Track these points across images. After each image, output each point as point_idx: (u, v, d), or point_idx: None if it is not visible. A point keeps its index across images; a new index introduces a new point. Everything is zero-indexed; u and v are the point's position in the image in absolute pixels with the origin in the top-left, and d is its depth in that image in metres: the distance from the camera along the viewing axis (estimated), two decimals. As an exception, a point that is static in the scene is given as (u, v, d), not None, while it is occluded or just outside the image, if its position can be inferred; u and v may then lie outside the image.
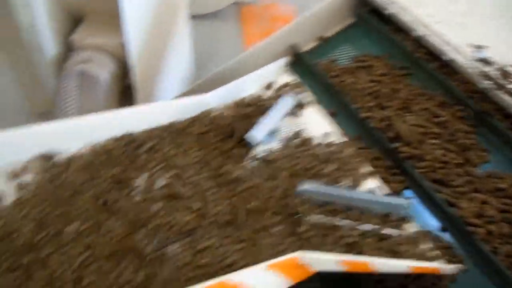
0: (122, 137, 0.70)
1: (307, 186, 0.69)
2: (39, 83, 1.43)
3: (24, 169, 0.66)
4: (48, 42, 1.17)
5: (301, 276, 0.58)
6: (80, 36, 1.20)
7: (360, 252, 0.63)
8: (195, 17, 1.51)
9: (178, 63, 1.45)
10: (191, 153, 0.71)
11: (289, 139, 0.80)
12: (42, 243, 0.57)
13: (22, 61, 1.36)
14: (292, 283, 0.57)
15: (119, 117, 0.71)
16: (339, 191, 0.70)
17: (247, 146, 0.77)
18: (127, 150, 0.69)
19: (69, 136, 0.67)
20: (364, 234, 0.66)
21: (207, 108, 0.82)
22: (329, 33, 1.02)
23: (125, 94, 1.26)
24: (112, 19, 1.20)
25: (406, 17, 0.96)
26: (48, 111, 1.48)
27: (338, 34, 1.02)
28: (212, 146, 0.75)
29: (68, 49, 1.22)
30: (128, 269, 0.57)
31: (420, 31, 0.94)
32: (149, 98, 1.24)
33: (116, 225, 0.61)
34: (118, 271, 0.57)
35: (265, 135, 0.77)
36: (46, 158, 0.67)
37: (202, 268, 0.58)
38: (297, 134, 0.81)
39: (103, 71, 1.15)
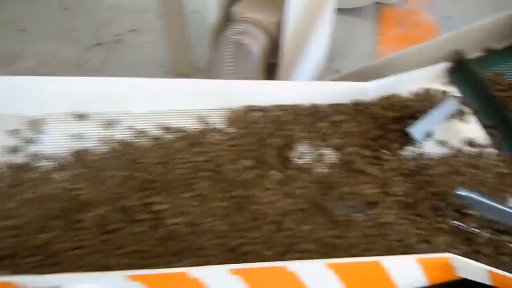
0: (310, 107, 0.76)
1: (481, 198, 0.68)
2: (188, 46, 1.55)
3: (230, 115, 0.74)
4: (211, 9, 1.27)
5: (441, 279, 0.58)
6: (241, 9, 1.28)
7: None
8: (337, 10, 1.53)
9: (317, 49, 1.48)
10: (368, 133, 0.75)
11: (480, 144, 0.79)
12: (246, 182, 0.64)
13: (177, 23, 1.49)
14: (427, 284, 0.57)
15: (299, 89, 0.77)
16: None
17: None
18: (313, 118, 0.74)
19: (262, 94, 0.75)
20: None
21: (385, 94, 0.85)
22: (497, 46, 0.99)
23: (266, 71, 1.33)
24: (272, -2, 1.27)
25: None
26: (187, 74, 1.61)
27: (507, 48, 0.98)
28: (387, 129, 0.77)
29: (226, 19, 1.31)
30: (321, 226, 0.61)
31: None
32: (289, 77, 1.30)
33: (308, 183, 0.66)
34: (312, 226, 0.61)
35: (424, 134, 0.78)
36: (247, 109, 0.75)
37: (382, 241, 0.61)
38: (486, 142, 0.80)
39: (256, 44, 1.22)
